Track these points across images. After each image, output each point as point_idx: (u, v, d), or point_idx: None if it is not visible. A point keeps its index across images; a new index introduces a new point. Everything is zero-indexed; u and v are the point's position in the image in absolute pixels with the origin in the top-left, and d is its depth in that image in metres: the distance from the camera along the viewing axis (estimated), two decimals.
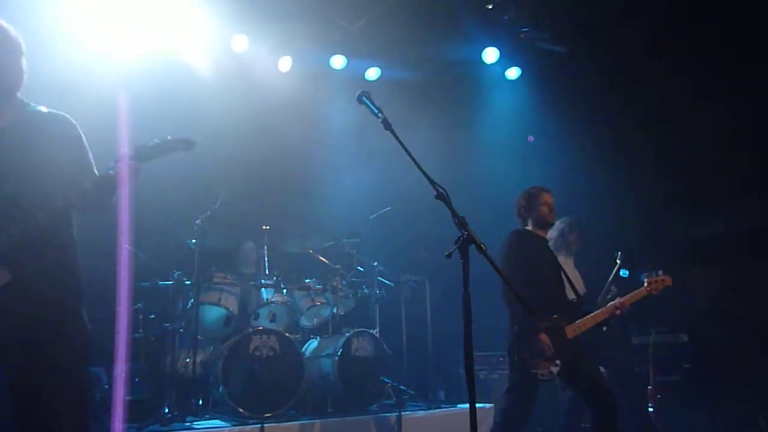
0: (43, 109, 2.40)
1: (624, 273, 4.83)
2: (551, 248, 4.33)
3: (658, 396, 5.41)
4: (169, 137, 2.44)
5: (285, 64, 6.14)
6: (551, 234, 5.00)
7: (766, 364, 5.57)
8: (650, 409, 5.30)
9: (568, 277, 3.96)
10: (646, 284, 4.03)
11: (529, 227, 3.93)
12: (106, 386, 4.27)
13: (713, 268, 6.47)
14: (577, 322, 3.72)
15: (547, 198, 3.93)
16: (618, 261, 4.80)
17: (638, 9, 5.73)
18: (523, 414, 3.64)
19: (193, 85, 5.51)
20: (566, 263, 4.92)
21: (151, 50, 5.32)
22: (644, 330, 5.94)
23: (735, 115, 5.93)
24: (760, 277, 6.16)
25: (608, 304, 3.94)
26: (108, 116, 5.00)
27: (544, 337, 3.52)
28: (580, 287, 4.83)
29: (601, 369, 4.55)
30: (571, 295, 4.02)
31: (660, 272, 4.09)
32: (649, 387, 5.39)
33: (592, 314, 3.82)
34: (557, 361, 3.56)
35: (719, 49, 5.69)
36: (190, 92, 5.43)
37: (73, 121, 2.46)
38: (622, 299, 3.95)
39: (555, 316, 3.69)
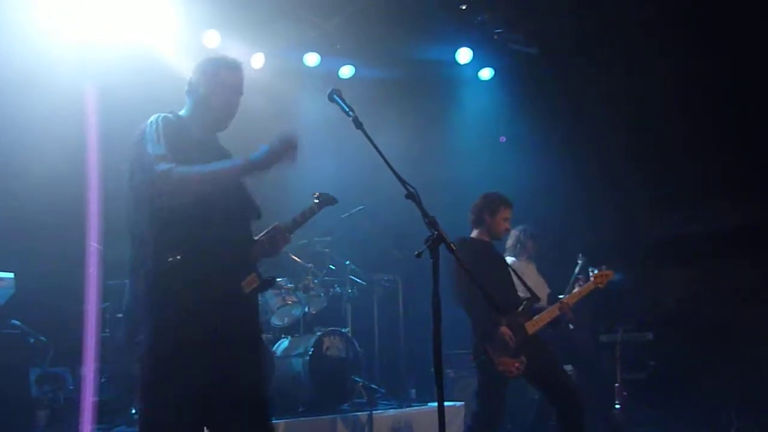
0: None
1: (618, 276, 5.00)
2: (510, 252, 4.72)
3: (625, 393, 5.52)
4: (315, 201, 2.61)
5: (258, 60, 6.08)
6: (509, 242, 5.12)
7: (728, 362, 5.72)
8: (617, 407, 5.40)
9: (520, 277, 3.98)
10: (592, 278, 4.13)
11: (475, 234, 3.95)
12: (71, 387, 4.18)
13: (680, 269, 6.62)
14: (534, 318, 3.77)
15: (507, 214, 3.92)
16: (579, 262, 4.94)
17: (611, 11, 5.83)
18: (495, 415, 3.65)
19: (164, 80, 5.41)
20: (528, 268, 5.07)
21: (120, 43, 5.22)
22: (612, 328, 6.05)
23: (704, 119, 6.08)
24: (725, 279, 6.33)
25: (555, 303, 4.01)
26: (76, 108, 4.93)
27: (505, 329, 3.54)
28: (542, 290, 4.92)
29: (567, 367, 4.65)
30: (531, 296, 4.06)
31: (603, 267, 4.21)
32: (616, 385, 5.50)
33: (547, 310, 3.87)
34: (522, 358, 3.59)
35: (693, 52, 5.82)
36: (161, 87, 5.31)
37: None
38: (567, 297, 4.03)
39: (516, 311, 3.73)
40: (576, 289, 4.15)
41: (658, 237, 6.84)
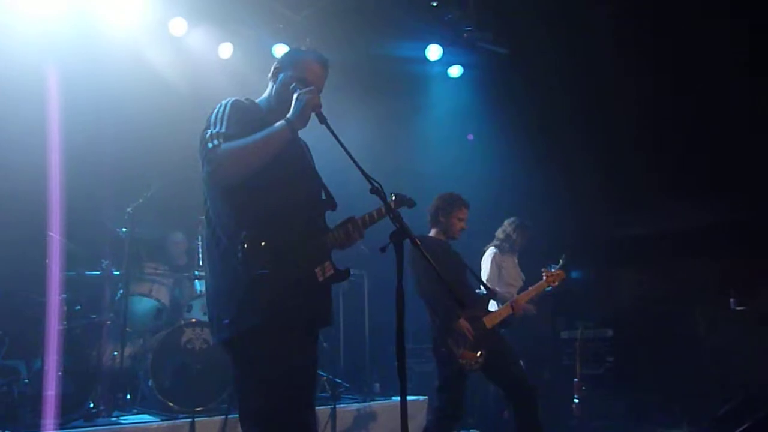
0: None
1: (575, 274, 5.13)
2: (495, 242, 5.00)
3: (583, 388, 5.65)
4: (392, 200, 2.53)
5: (226, 50, 5.99)
6: (498, 234, 5.22)
7: (683, 358, 5.91)
8: (576, 401, 5.53)
9: (475, 274, 4.04)
10: (544, 278, 4.30)
11: (432, 233, 4.01)
12: (26, 381, 4.06)
13: (638, 268, 6.80)
14: (492, 312, 3.87)
15: (463, 214, 3.99)
16: (561, 261, 5.07)
17: (577, 13, 5.93)
18: (456, 409, 3.70)
19: (128, 68, 5.30)
20: (508, 260, 5.24)
21: (84, 27, 5.08)
22: (572, 325, 6.19)
23: (662, 122, 6.25)
24: (681, 277, 6.53)
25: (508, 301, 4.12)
26: (37, 93, 4.78)
27: (463, 321, 3.62)
28: (517, 280, 5.04)
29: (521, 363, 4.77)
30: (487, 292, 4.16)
31: (554, 267, 4.41)
32: (575, 380, 5.62)
33: (503, 306, 3.98)
34: (481, 351, 3.66)
35: (651, 55, 5.97)
36: (125, 75, 5.22)
37: None
38: (520, 295, 4.17)
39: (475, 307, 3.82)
40: (525, 291, 4.29)
41: (616, 237, 7.02)
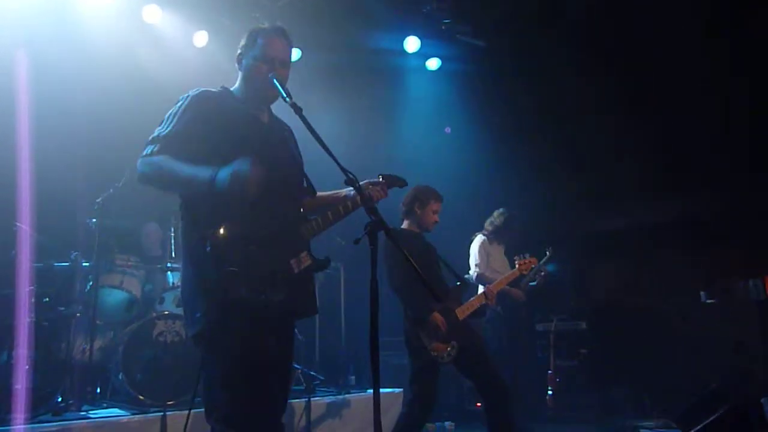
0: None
1: (551, 267, 5.23)
2: (484, 230, 5.18)
3: (558, 380, 5.72)
4: (380, 181, 2.54)
5: (201, 38, 5.89)
6: (486, 225, 5.26)
7: (655, 350, 6.01)
8: (549, 393, 5.59)
9: (449, 266, 4.05)
10: (517, 266, 4.38)
11: (405, 225, 4.03)
12: None
13: (611, 261, 6.90)
14: (464, 304, 3.88)
15: (437, 207, 4.00)
16: (547, 253, 5.17)
17: (554, 11, 5.96)
18: (429, 401, 3.70)
19: (100, 56, 5.17)
20: (495, 248, 5.36)
21: (56, 13, 4.95)
22: (547, 317, 6.25)
23: (637, 116, 6.33)
24: (654, 271, 6.64)
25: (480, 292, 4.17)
26: (5, 81, 4.64)
27: (436, 315, 3.64)
28: (504, 268, 5.16)
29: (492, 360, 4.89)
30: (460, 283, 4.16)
31: (527, 255, 4.46)
32: (549, 372, 5.69)
33: (475, 297, 4.01)
34: (453, 343, 3.67)
35: (625, 55, 6.03)
36: (97, 63, 5.10)
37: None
38: (492, 284, 4.19)
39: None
40: (497, 279, 4.37)
41: (590, 231, 7.10)
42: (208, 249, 2.09)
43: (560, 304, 6.43)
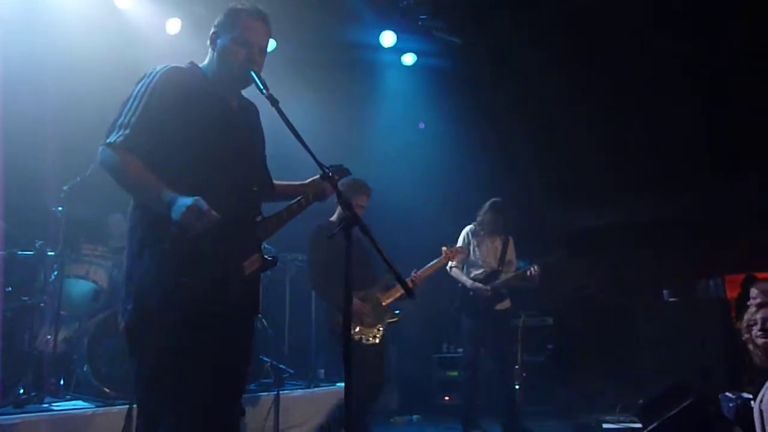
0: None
1: (523, 264, 5.30)
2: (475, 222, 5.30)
3: (524, 375, 5.81)
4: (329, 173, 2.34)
5: (174, 26, 5.79)
6: (478, 217, 5.30)
7: (620, 346, 6.14)
8: (516, 387, 5.67)
9: (381, 253, 4.14)
10: (443, 254, 4.60)
11: (334, 217, 4.22)
12: None
13: (579, 259, 7.01)
14: (389, 290, 4.24)
15: (363, 201, 4.22)
16: (551, 257, 5.30)
17: (530, 8, 6.02)
18: (370, 381, 3.96)
19: (69, 41, 5.04)
20: (484, 238, 5.38)
21: None
22: (515, 313, 6.33)
23: (610, 116, 6.44)
24: (623, 268, 6.78)
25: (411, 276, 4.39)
26: None
27: (357, 303, 3.98)
28: (489, 261, 5.27)
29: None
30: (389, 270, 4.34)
31: (455, 246, 4.82)
32: (517, 366, 5.77)
33: (394, 287, 4.28)
34: (378, 326, 4.10)
35: (600, 53, 6.12)
36: (65, 48, 4.97)
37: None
38: (418, 271, 4.42)
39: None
40: (424, 267, 4.54)
41: (559, 229, 7.21)
42: (167, 246, 2.02)
43: (528, 301, 6.52)
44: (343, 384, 2.06)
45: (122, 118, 2.12)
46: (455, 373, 6.39)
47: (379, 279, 4.26)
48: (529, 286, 5.24)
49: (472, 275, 5.30)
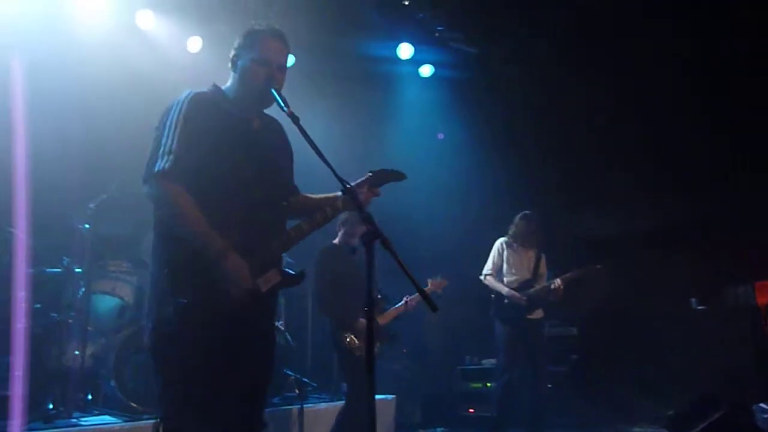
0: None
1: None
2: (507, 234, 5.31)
3: (549, 386, 5.73)
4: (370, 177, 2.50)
5: (195, 44, 5.89)
6: (510, 230, 5.35)
7: (647, 355, 6.04)
8: None
9: (371, 277, 4.28)
10: (429, 284, 4.76)
11: (337, 240, 4.45)
12: None
13: (604, 266, 6.91)
14: (385, 313, 4.53)
15: (357, 224, 4.34)
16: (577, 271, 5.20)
17: (549, 17, 6.01)
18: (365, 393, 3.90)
19: (92, 61, 5.16)
20: (516, 250, 5.35)
21: (49, 17, 4.93)
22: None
23: (630, 120, 6.37)
24: (644, 277, 6.67)
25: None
26: (0, 89, 4.62)
27: (362, 320, 4.11)
28: (522, 272, 5.26)
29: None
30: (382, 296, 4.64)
31: (439, 277, 4.85)
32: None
33: (394, 307, 4.58)
34: (377, 343, 4.24)
35: (617, 61, 6.08)
36: (89, 68, 5.08)
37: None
38: (411, 297, 4.60)
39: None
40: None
41: (581, 236, 7.12)
42: (166, 271, 2.09)
43: (551, 310, 6.45)
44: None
45: (162, 147, 2.16)
46: (479, 385, 6.33)
47: (379, 300, 4.49)
48: (551, 300, 5.19)
49: (505, 283, 5.27)
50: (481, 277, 5.31)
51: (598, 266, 5.22)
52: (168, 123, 2.21)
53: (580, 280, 5.22)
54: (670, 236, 6.64)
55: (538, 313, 5.26)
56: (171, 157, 2.12)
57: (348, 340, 4.14)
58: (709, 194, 6.38)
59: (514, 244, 5.37)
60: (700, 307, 5.82)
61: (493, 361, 5.68)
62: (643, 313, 6.40)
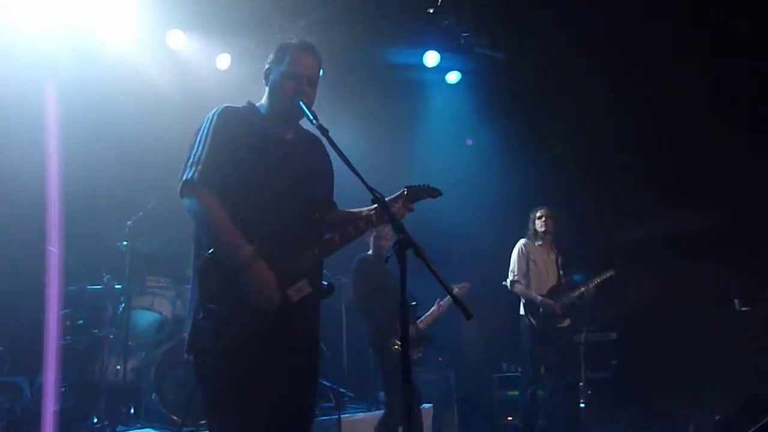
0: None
1: (578, 278, 5.15)
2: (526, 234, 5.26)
3: (589, 392, 5.62)
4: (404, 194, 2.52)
5: (224, 61, 6.00)
6: (529, 230, 5.30)
7: (689, 360, 5.87)
8: (582, 405, 5.49)
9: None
10: (455, 290, 4.54)
11: (370, 251, 4.61)
12: (29, 397, 4.04)
13: (641, 270, 6.77)
14: (424, 318, 4.73)
15: (386, 232, 4.48)
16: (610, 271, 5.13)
17: (575, 20, 5.95)
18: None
19: (126, 82, 5.30)
20: (537, 249, 5.24)
21: (81, 39, 5.08)
22: (576, 328, 6.15)
23: (659, 126, 6.25)
24: (685, 279, 6.50)
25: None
26: (35, 107, 4.78)
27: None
28: (551, 275, 5.17)
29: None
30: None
31: (462, 283, 4.97)
32: (581, 384, 5.59)
33: (429, 313, 4.76)
34: (419, 348, 4.47)
35: (645, 62, 5.98)
36: (123, 88, 5.22)
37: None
38: (443, 301, 4.79)
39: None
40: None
41: (617, 240, 6.99)
42: (203, 266, 2.12)
43: (589, 315, 6.33)
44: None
45: (192, 157, 2.22)
46: (516, 393, 6.24)
47: (412, 308, 4.53)
48: (582, 305, 5.09)
49: (533, 288, 5.14)
50: (506, 283, 5.16)
51: (625, 266, 5.13)
52: (199, 136, 2.27)
53: (612, 283, 5.09)
54: (712, 238, 6.45)
55: (566, 322, 5.14)
56: (199, 167, 2.18)
57: (396, 347, 4.19)
58: (748, 196, 6.19)
59: (536, 243, 5.24)
60: (743, 309, 5.64)
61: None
62: (684, 317, 6.23)
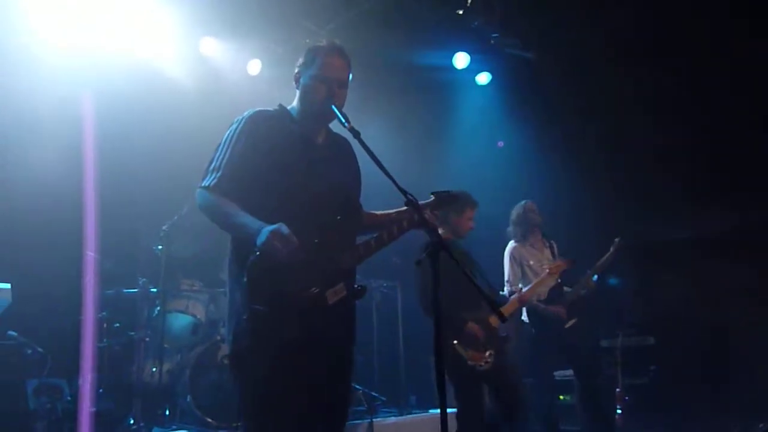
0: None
1: (612, 281, 4.97)
2: (510, 235, 4.98)
3: (626, 398, 5.48)
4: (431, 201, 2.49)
5: (254, 67, 6.07)
6: (514, 229, 5.09)
7: (730, 366, 5.69)
8: (618, 412, 5.36)
9: (481, 272, 4.05)
10: (547, 271, 4.40)
11: (440, 233, 4.13)
12: (69, 398, 4.13)
13: (676, 273, 6.60)
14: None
15: (472, 214, 4.07)
16: (615, 243, 4.99)
17: (604, 20, 5.84)
18: (478, 412, 3.72)
19: (160, 88, 5.41)
20: (532, 250, 4.98)
21: (116, 50, 5.20)
22: (612, 333, 6.02)
23: (696, 125, 6.08)
24: (723, 282, 6.31)
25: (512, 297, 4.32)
26: (72, 117, 4.91)
27: (471, 324, 3.75)
28: (542, 267, 4.80)
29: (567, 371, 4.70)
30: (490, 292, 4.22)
31: (560, 258, 4.59)
32: (618, 390, 5.46)
33: (509, 303, 4.18)
34: (489, 350, 3.80)
35: (677, 63, 5.84)
36: (157, 95, 5.33)
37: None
38: (526, 290, 4.33)
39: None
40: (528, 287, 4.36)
41: (651, 242, 6.82)
42: (244, 280, 2.10)
43: (626, 319, 6.19)
44: (437, 411, 2.02)
45: (214, 162, 2.26)
46: (566, 397, 6.06)
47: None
48: (585, 294, 4.90)
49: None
50: (504, 293, 4.84)
51: (618, 239, 4.95)
52: (224, 140, 2.30)
53: (612, 265, 4.92)
54: (748, 239, 6.26)
55: (571, 321, 4.83)
56: (218, 174, 2.21)
57: (470, 354, 3.78)
58: None
59: (523, 241, 4.96)
60: None
61: (567, 373, 5.40)
62: (725, 320, 6.05)
